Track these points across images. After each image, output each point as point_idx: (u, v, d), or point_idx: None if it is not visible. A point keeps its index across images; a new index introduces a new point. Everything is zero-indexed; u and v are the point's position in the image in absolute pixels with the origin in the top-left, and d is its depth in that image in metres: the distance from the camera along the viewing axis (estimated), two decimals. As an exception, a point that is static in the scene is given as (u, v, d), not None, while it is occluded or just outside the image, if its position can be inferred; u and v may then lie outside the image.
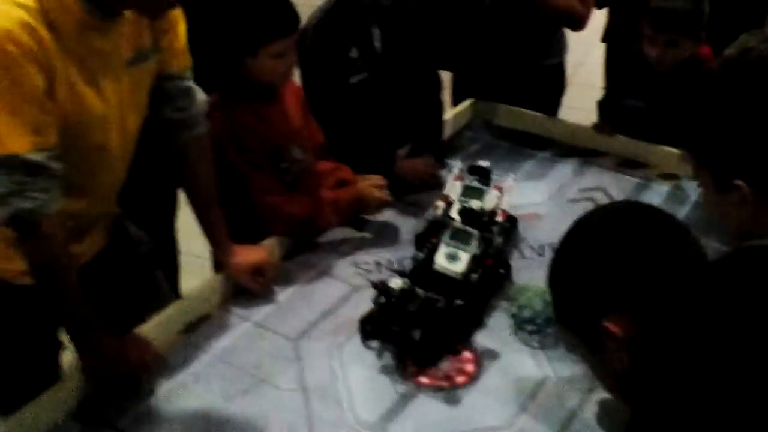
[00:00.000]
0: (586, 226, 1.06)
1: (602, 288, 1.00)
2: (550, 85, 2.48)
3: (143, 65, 1.42)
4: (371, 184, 1.84)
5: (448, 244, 1.58)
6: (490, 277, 1.61)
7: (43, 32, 1.22)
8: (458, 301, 1.49)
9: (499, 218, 1.70)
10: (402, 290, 1.46)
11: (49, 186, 1.27)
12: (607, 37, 2.79)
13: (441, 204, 1.70)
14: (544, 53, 2.41)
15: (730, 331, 0.97)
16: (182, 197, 2.02)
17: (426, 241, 1.62)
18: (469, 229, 1.59)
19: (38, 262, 1.32)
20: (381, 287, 1.46)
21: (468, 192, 1.70)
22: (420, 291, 1.48)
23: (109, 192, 1.50)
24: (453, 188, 1.73)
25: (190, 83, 1.54)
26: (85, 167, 1.38)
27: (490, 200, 1.70)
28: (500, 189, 1.76)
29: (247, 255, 1.63)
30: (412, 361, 1.46)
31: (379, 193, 1.83)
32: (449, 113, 2.35)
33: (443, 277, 1.54)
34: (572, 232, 1.06)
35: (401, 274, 1.51)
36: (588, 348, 1.05)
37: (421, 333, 1.45)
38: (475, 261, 1.57)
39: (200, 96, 1.57)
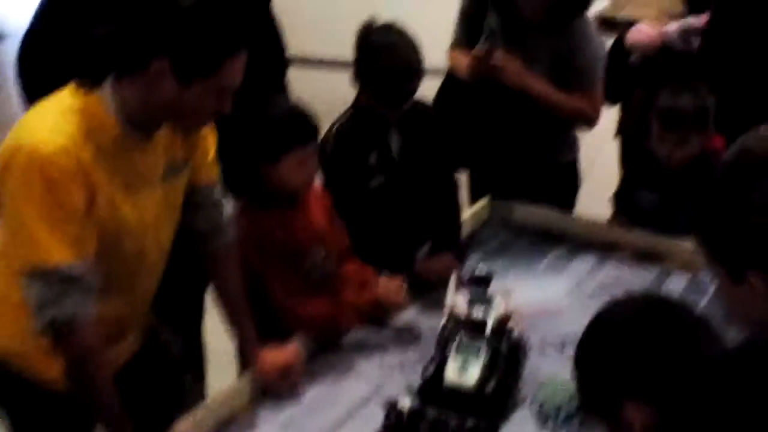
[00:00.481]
0: (608, 315, 1.14)
1: (623, 377, 1.08)
2: (565, 183, 2.58)
3: (176, 178, 1.55)
4: (390, 288, 1.91)
5: (456, 358, 1.62)
6: (504, 387, 1.66)
7: (86, 152, 1.36)
8: (470, 422, 1.51)
9: (508, 325, 1.73)
10: (411, 411, 1.48)
11: (85, 297, 1.38)
12: (620, 132, 2.93)
13: (447, 318, 1.74)
14: (557, 151, 2.52)
15: (748, 425, 1.02)
16: (209, 299, 2.13)
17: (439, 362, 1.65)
18: (476, 340, 1.65)
19: (75, 366, 1.42)
20: (390, 408, 1.49)
21: (474, 303, 1.73)
22: (430, 411, 1.50)
23: (144, 296, 1.61)
24: (457, 301, 1.75)
25: (219, 194, 1.68)
26: (123, 273, 1.50)
27: (496, 309, 1.73)
28: (506, 293, 1.78)
29: (274, 357, 1.72)
30: None
31: (397, 298, 1.90)
32: (467, 212, 2.46)
33: (455, 392, 1.58)
34: (596, 321, 1.14)
35: (412, 391, 1.54)
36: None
37: None
38: (486, 372, 1.62)
39: (228, 205, 1.71)
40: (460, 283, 1.81)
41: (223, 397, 1.69)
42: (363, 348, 1.88)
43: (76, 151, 1.35)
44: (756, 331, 1.18)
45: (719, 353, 1.08)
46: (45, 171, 1.32)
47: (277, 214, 1.85)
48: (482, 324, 1.69)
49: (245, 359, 1.75)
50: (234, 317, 1.72)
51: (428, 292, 2.04)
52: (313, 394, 1.74)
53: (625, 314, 1.13)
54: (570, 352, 1.16)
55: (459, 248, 2.23)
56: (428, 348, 1.82)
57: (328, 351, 1.86)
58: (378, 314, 1.93)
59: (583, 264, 2.26)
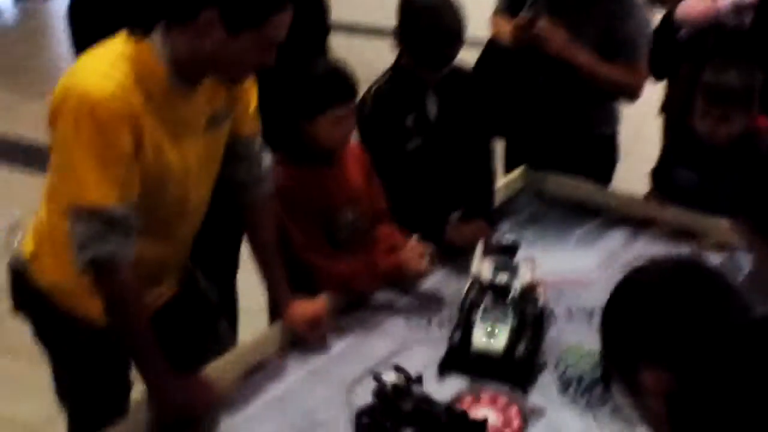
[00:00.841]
0: (638, 276, 1.16)
1: (644, 340, 1.11)
2: (602, 156, 2.64)
3: (218, 129, 1.66)
4: (413, 254, 1.96)
5: (483, 324, 1.69)
6: (531, 353, 1.73)
7: (136, 98, 1.47)
8: (460, 409, 1.56)
9: (533, 293, 1.81)
10: (394, 387, 1.52)
11: (126, 238, 1.49)
12: (665, 108, 2.97)
13: (471, 284, 1.82)
14: (597, 123, 2.58)
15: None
16: (243, 254, 2.25)
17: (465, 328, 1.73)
18: (501, 307, 1.72)
19: (113, 304, 1.54)
20: (377, 380, 1.54)
21: (499, 269, 1.80)
22: (417, 390, 1.53)
23: (184, 241, 1.73)
24: (482, 267, 1.82)
25: (259, 146, 1.78)
26: (165, 217, 1.62)
27: (522, 276, 1.80)
28: (531, 262, 1.86)
29: (304, 307, 1.83)
30: None
31: (420, 264, 1.95)
32: (501, 180, 2.53)
33: (483, 357, 1.66)
34: (625, 281, 1.16)
35: (441, 366, 1.60)
36: (630, 393, 1.16)
37: None
38: (514, 337, 1.69)
39: (267, 157, 1.81)
40: (487, 251, 1.89)
41: (254, 344, 1.81)
42: (390, 308, 1.98)
43: (125, 96, 1.45)
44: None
45: (747, 322, 1.08)
46: (95, 114, 1.42)
47: (311, 170, 1.94)
48: (507, 291, 1.77)
49: (276, 309, 1.86)
50: (267, 267, 1.83)
51: (457, 258, 2.12)
52: (340, 347, 1.85)
53: (655, 276, 1.14)
54: (597, 322, 1.19)
55: (490, 216, 2.30)
56: (452, 312, 1.91)
57: (356, 308, 1.96)
58: (400, 279, 2.00)
59: (615, 238, 2.31)
